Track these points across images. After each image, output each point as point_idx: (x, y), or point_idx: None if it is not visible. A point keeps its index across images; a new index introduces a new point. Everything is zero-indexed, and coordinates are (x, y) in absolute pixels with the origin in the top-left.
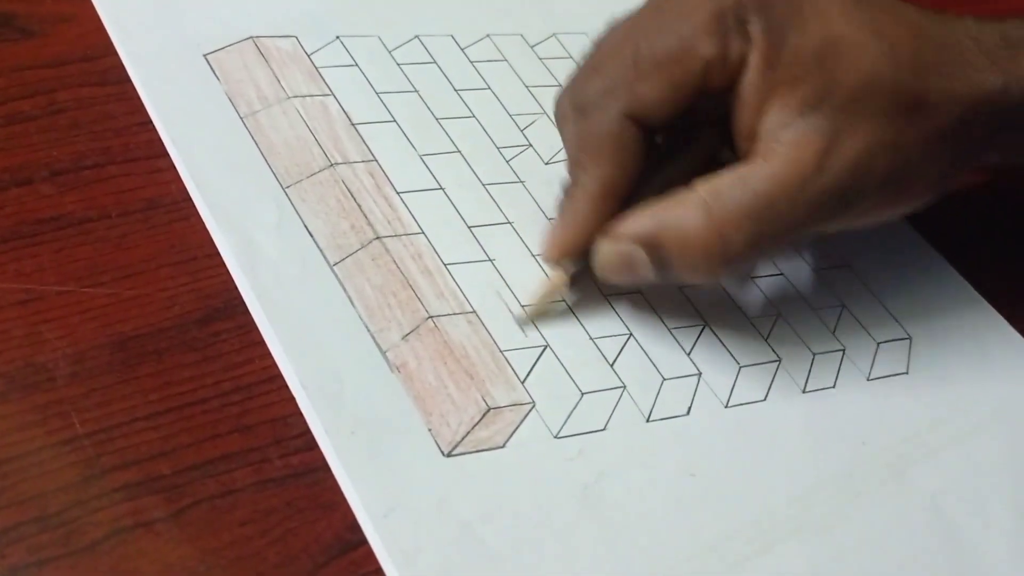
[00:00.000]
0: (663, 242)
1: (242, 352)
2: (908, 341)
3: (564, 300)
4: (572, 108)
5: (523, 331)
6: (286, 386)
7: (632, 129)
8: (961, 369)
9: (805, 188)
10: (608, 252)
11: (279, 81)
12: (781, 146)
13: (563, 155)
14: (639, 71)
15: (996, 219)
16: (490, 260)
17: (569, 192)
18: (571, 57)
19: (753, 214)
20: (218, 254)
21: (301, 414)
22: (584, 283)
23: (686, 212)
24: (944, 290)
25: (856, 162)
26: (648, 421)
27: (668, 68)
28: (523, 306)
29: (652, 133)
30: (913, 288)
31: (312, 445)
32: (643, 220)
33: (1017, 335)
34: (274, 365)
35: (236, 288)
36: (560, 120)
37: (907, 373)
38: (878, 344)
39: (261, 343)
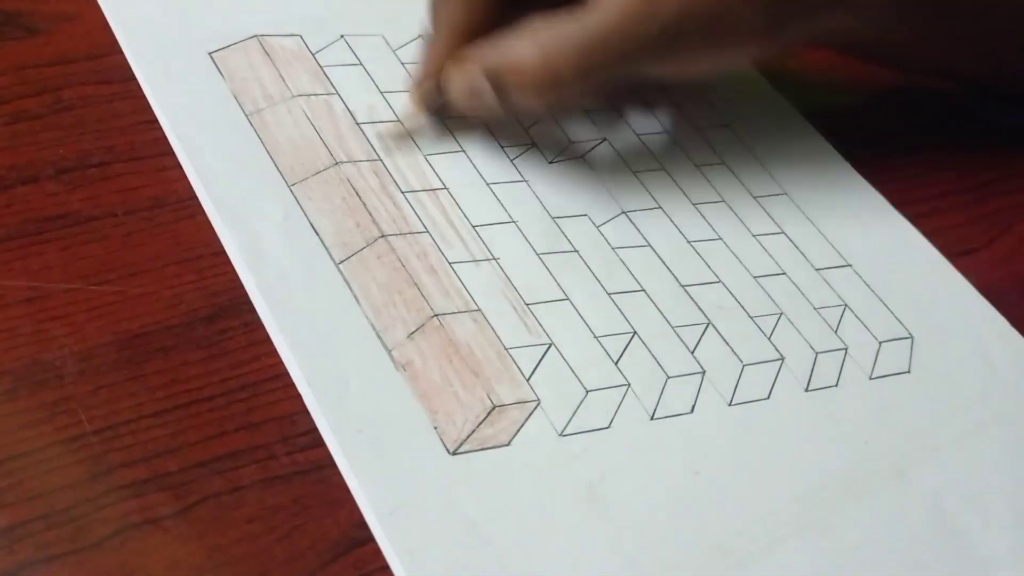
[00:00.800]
0: (501, 69)
1: (248, 350)
2: (910, 340)
3: (425, 123)
4: None
5: (528, 330)
6: (292, 384)
7: None
8: (963, 369)
9: (632, 28)
10: (455, 78)
11: (284, 80)
12: None
13: (567, 154)
14: None
15: (995, 216)
16: (494, 259)
17: (426, 33)
18: None
19: (581, 48)
20: (224, 252)
21: (307, 412)
22: (445, 114)
23: (520, 42)
24: (945, 289)
25: (678, 5)
26: (652, 419)
27: None
28: (390, 129)
29: None
30: (914, 287)
31: (318, 442)
32: (484, 49)
33: (1018, 335)
34: (280, 363)
35: (242, 286)
36: None
37: (909, 372)
38: (880, 343)
39: (267, 341)
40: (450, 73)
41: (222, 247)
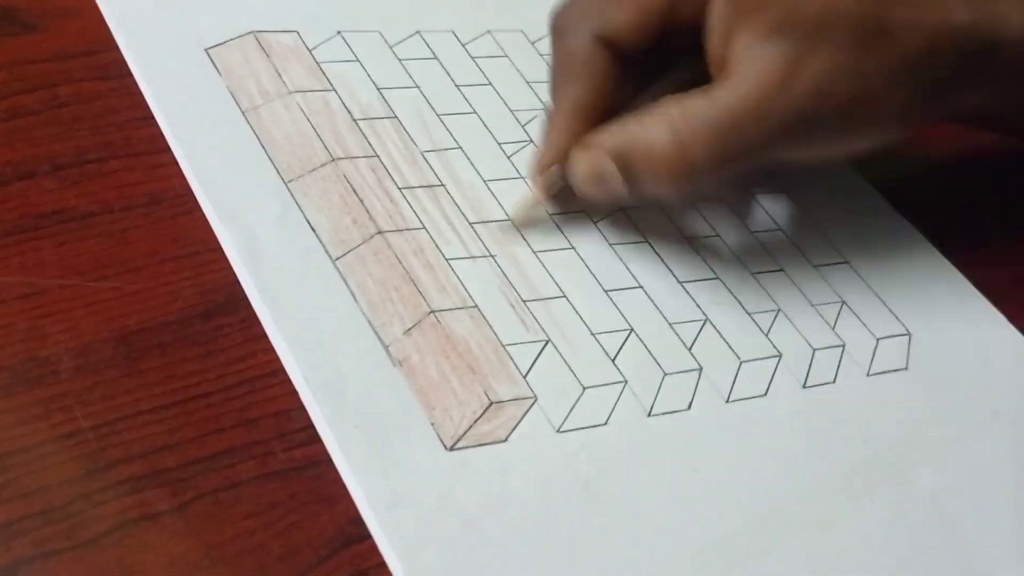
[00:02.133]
0: (631, 155)
1: (245, 346)
2: (907, 337)
3: (546, 211)
4: (551, 32)
5: (525, 326)
6: (289, 380)
7: (603, 51)
8: (960, 365)
9: (768, 108)
10: (581, 162)
11: (280, 76)
12: (746, 69)
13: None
14: None
15: (995, 215)
16: (491, 256)
17: (548, 114)
18: None
19: (716, 131)
20: (220, 248)
21: (304, 408)
22: (565, 200)
23: (654, 128)
24: (943, 286)
25: (818, 85)
26: (649, 416)
27: None
28: (508, 218)
29: (626, 58)
30: (912, 284)
31: (315, 439)
32: (614, 132)
33: (1016, 332)
34: (277, 359)
35: (239, 282)
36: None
37: (907, 369)
38: (878, 340)
39: (264, 337)
40: (576, 158)
41: (219, 243)
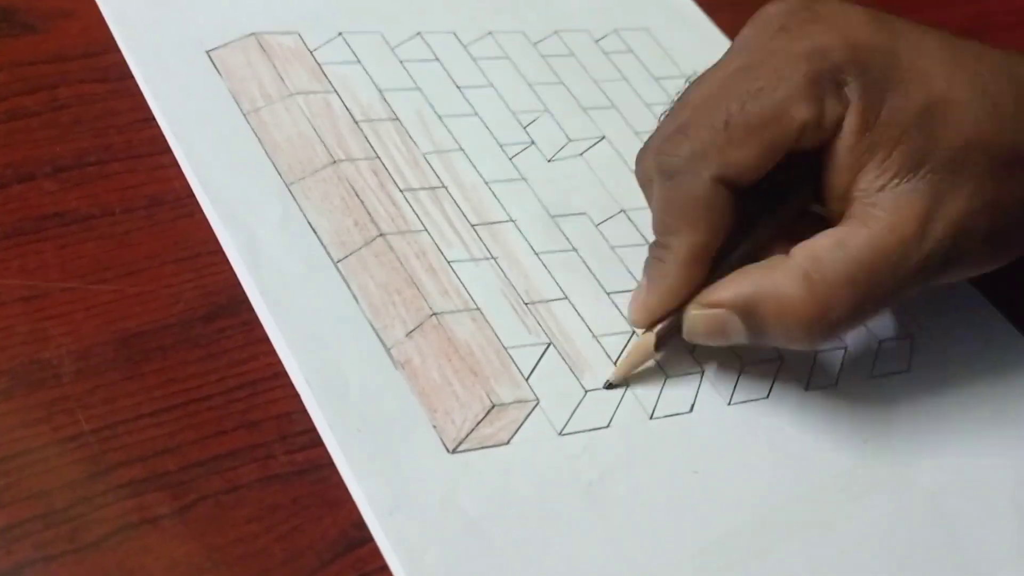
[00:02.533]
0: (760, 310)
1: (246, 349)
2: (909, 339)
3: (654, 360)
4: (659, 171)
5: (527, 329)
6: (291, 383)
7: (723, 193)
8: (962, 368)
9: (907, 254)
10: (699, 317)
11: (282, 78)
12: (881, 211)
13: (565, 153)
14: (731, 135)
15: None
16: (493, 258)
17: (658, 255)
18: (573, 55)
19: (854, 282)
20: (222, 251)
21: (306, 411)
22: (672, 343)
23: (785, 280)
24: (945, 289)
25: (958, 225)
26: (651, 419)
27: (761, 132)
28: (614, 370)
29: (741, 194)
30: None
31: (317, 442)
32: (739, 287)
33: (1018, 333)
34: (279, 362)
35: (240, 285)
36: (644, 181)
37: (909, 371)
38: (880, 342)
39: (266, 340)
40: (692, 313)
41: (220, 246)
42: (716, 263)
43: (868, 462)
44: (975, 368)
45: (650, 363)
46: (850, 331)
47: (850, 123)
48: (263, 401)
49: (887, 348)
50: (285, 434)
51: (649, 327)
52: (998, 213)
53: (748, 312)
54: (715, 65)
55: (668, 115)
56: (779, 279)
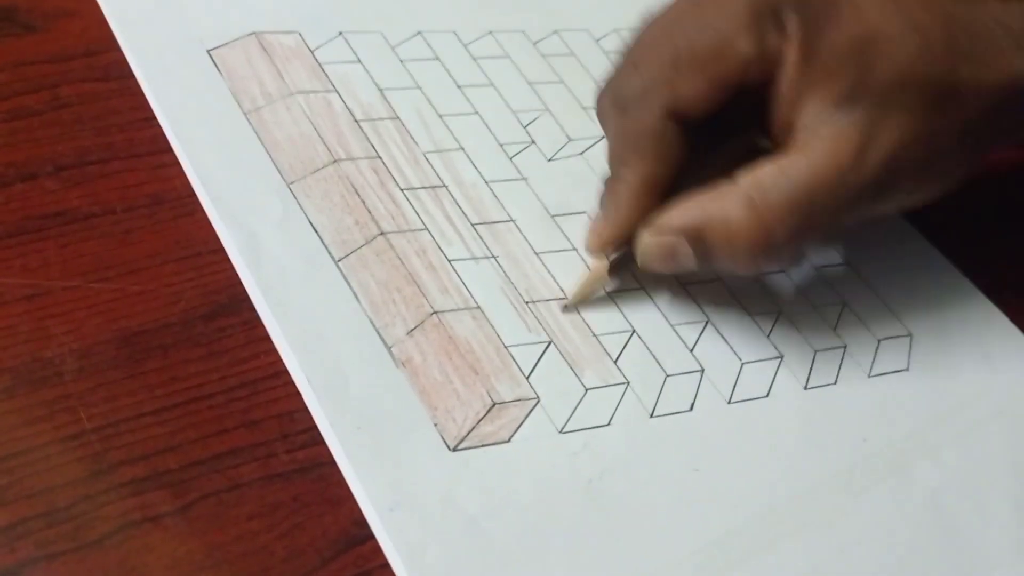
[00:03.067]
0: (707, 234)
1: (248, 347)
2: (909, 338)
3: (604, 288)
4: (612, 105)
5: (527, 327)
6: (292, 381)
7: (672, 125)
8: (962, 365)
9: (844, 181)
10: (651, 244)
11: (282, 77)
12: (820, 140)
13: (566, 152)
14: (679, 69)
15: (995, 214)
16: (493, 257)
17: (611, 186)
18: (573, 54)
19: (795, 206)
20: (223, 250)
21: (307, 409)
22: (624, 271)
23: (731, 205)
24: (944, 286)
25: (891, 154)
26: (652, 417)
27: (708, 65)
28: (564, 297)
29: (691, 128)
30: (913, 285)
31: (318, 440)
32: (687, 212)
33: (1018, 331)
34: (280, 360)
35: (241, 284)
36: (601, 117)
37: (908, 370)
38: (879, 341)
39: (266, 338)
40: (643, 235)
41: (221, 245)
42: (668, 195)
43: (868, 460)
44: (974, 366)
45: (602, 292)
46: (791, 258)
47: (791, 56)
48: (264, 400)
49: (886, 347)
50: (286, 432)
51: (603, 254)
52: (930, 145)
53: (696, 237)
54: (666, 4)
55: (622, 53)
56: (725, 204)
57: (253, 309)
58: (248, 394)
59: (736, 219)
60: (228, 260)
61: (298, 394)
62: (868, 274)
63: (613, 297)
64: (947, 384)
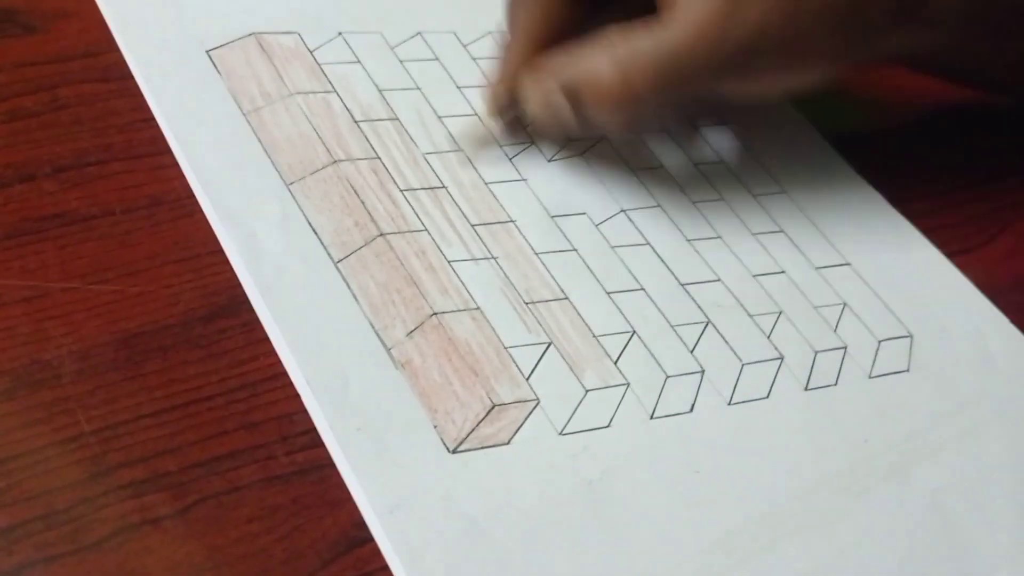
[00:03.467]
0: (579, 89)
1: (247, 349)
2: (909, 339)
3: (500, 145)
4: None
5: (527, 328)
6: (291, 383)
7: None
8: (962, 367)
9: (708, 48)
10: (531, 91)
11: (281, 77)
12: (691, 8)
13: (565, 152)
14: None
15: (995, 216)
16: (493, 258)
17: (503, 45)
18: None
19: (659, 66)
20: (222, 251)
21: (306, 411)
22: (516, 131)
23: (600, 60)
24: (944, 286)
25: (755, 25)
26: (652, 418)
27: None
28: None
29: None
30: (914, 285)
31: (318, 442)
32: (561, 61)
33: (1019, 332)
34: (279, 362)
35: (240, 285)
36: None
37: (908, 371)
38: (879, 342)
39: (266, 340)
40: (526, 84)
41: (220, 246)
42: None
43: (868, 461)
44: (975, 367)
45: (498, 150)
46: (657, 118)
47: None
48: (264, 402)
49: (886, 348)
50: (286, 434)
51: (497, 113)
52: (791, 24)
53: (571, 92)
54: None
55: None
56: (595, 60)
57: (253, 311)
58: (247, 396)
59: (604, 74)
60: (227, 261)
61: (297, 396)
62: (869, 274)
63: (612, 297)
64: (948, 385)
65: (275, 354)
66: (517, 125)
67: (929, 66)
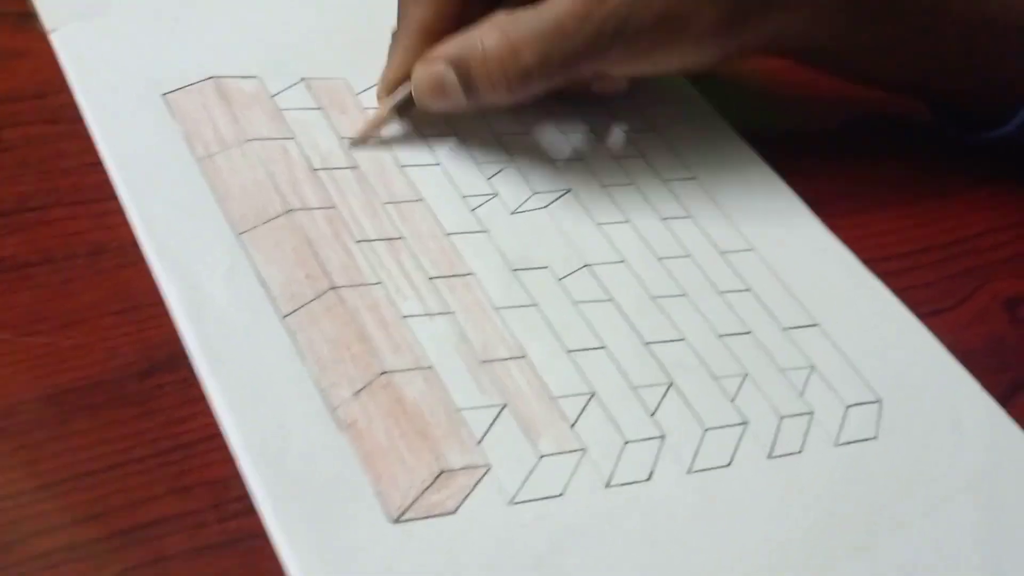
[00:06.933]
0: (467, 60)
1: (183, 407)
2: (878, 404)
3: (400, 128)
4: None
5: (481, 389)
6: (227, 445)
7: None
8: (932, 435)
9: (589, 16)
10: (422, 74)
11: (239, 122)
12: None
13: (530, 205)
14: None
15: (967, 278)
16: (450, 313)
17: (394, 34)
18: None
19: (543, 37)
20: (164, 303)
21: (242, 476)
22: (410, 114)
23: (486, 33)
24: (916, 351)
25: (628, 1)
26: (608, 487)
27: None
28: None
29: None
30: (884, 348)
31: (251, 509)
32: (451, 43)
33: (990, 399)
34: (216, 422)
35: (181, 339)
36: None
37: (876, 438)
38: (847, 407)
39: (204, 398)
40: (418, 72)
41: (163, 297)
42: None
43: (833, 535)
44: (944, 435)
45: (396, 130)
46: (544, 84)
47: None
48: (197, 464)
49: (854, 413)
50: (218, 500)
51: (386, 93)
52: (668, 1)
53: (458, 63)
54: None
55: None
56: (483, 33)
57: (191, 367)
58: (180, 458)
59: (490, 44)
60: (169, 314)
61: (233, 459)
62: (837, 336)
63: (573, 356)
64: (916, 454)
65: (212, 413)
66: (407, 105)
67: (818, 60)
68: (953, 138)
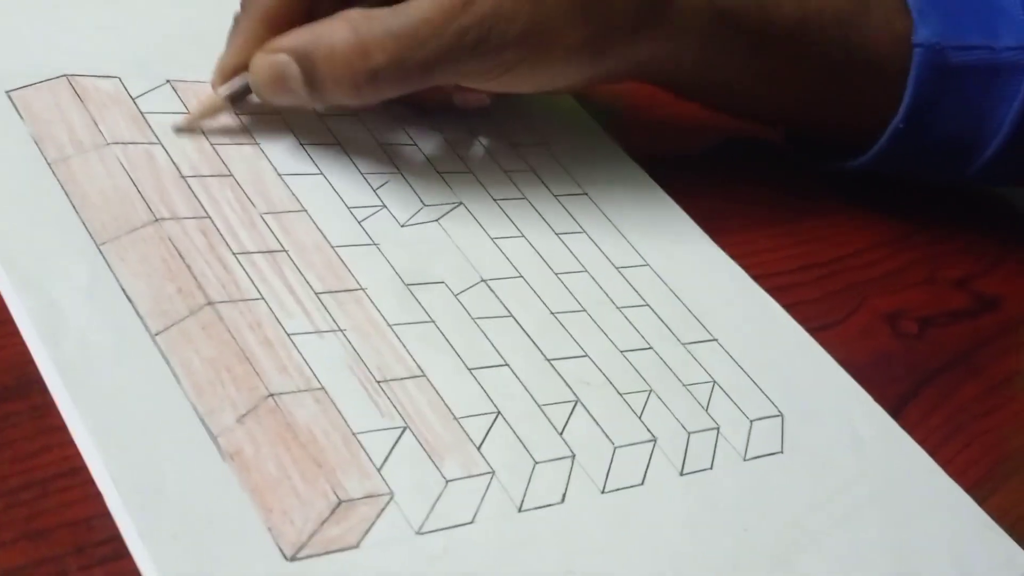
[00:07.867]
0: (313, 56)
1: (37, 439)
2: (780, 418)
3: (235, 117)
4: None
5: (380, 411)
6: (92, 480)
7: None
8: (834, 448)
9: (448, 24)
10: (262, 64)
11: (97, 125)
12: None
13: (420, 217)
14: None
15: (849, 293)
16: (340, 330)
17: (237, 18)
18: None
19: (397, 40)
20: (13, 322)
21: (110, 515)
22: (246, 104)
23: (337, 28)
24: (810, 365)
25: (497, 9)
26: (520, 511)
27: None
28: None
29: None
30: (780, 363)
31: (123, 553)
32: (296, 35)
33: (883, 412)
34: (77, 455)
35: (33, 362)
36: None
37: (782, 452)
38: (752, 422)
39: (62, 428)
40: (257, 62)
41: (11, 315)
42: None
43: (750, 552)
44: (845, 448)
45: (230, 120)
46: (395, 89)
47: None
48: (55, 504)
49: (759, 428)
50: (82, 544)
51: (222, 82)
52: (536, 12)
53: (303, 57)
54: None
55: None
56: (333, 28)
57: (46, 392)
58: (34, 497)
59: (339, 40)
60: (19, 334)
61: (99, 496)
62: (735, 351)
63: (475, 374)
64: (821, 467)
65: (72, 445)
66: (243, 95)
67: (687, 90)
68: (807, 166)
